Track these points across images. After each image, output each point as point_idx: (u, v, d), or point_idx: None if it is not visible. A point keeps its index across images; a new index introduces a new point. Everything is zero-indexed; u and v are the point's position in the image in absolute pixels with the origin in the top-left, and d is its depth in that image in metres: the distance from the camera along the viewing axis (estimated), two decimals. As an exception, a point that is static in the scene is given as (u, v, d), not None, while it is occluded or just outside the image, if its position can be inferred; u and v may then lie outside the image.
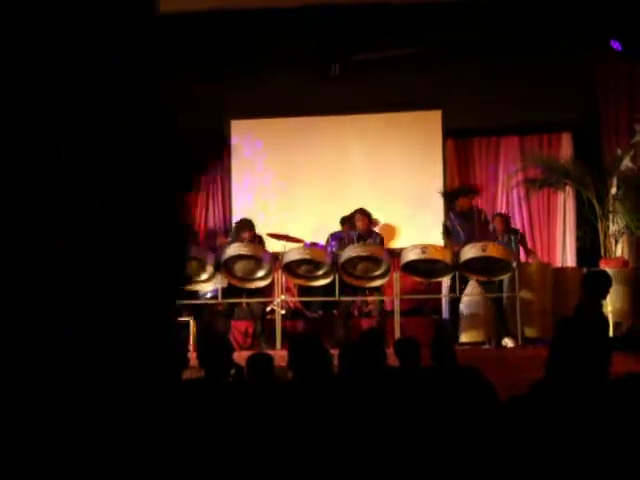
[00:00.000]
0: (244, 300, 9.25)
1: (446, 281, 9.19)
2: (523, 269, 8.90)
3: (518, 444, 2.84)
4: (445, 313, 9.75)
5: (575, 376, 3.05)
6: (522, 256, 9.62)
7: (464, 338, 8.87)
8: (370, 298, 9.04)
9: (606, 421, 2.85)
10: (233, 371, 4.31)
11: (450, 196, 10.33)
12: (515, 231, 9.59)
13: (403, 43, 10.48)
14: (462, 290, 8.76)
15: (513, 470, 2.77)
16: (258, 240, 9.40)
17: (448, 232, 9.20)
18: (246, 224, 9.33)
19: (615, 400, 2.94)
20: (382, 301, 8.97)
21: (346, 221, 9.97)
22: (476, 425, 2.86)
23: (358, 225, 9.26)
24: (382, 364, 4.57)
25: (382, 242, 9.40)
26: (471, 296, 8.88)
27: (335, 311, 9.53)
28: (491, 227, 9.25)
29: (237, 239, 9.25)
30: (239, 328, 9.47)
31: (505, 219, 9.53)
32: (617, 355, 7.33)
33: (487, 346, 8.73)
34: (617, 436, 2.81)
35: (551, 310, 8.83)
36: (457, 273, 8.61)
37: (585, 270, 9.42)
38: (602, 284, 6.37)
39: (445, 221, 9.41)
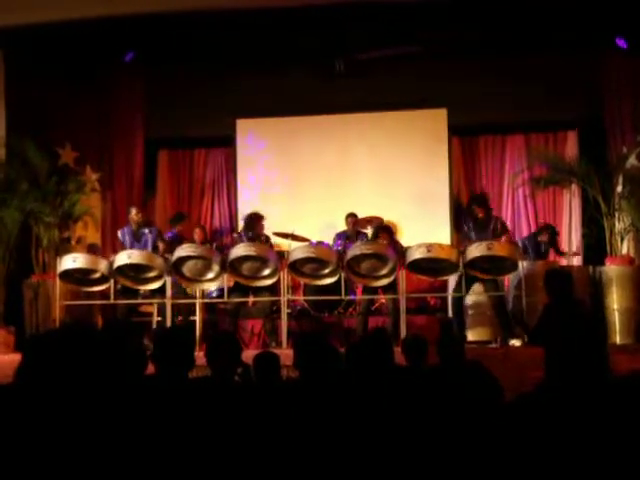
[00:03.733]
0: (251, 299, 9.27)
1: (452, 279, 9.21)
2: (528, 268, 8.89)
3: (525, 442, 2.84)
4: (451, 311, 9.75)
5: (570, 375, 3.05)
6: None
7: (471, 337, 8.89)
8: (383, 296, 9.05)
9: (612, 420, 2.86)
10: (240, 370, 4.32)
11: (468, 203, 10.44)
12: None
13: (408, 41, 10.48)
14: (468, 289, 8.77)
15: (520, 468, 2.77)
16: (265, 239, 9.41)
17: (465, 235, 9.20)
18: (255, 218, 9.41)
19: (621, 398, 2.94)
20: (396, 299, 8.85)
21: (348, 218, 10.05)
22: (482, 423, 2.86)
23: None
24: (389, 363, 4.57)
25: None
26: (477, 295, 8.88)
27: (341, 310, 9.55)
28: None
29: (245, 236, 9.30)
30: (245, 327, 9.48)
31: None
32: (623, 353, 7.40)
33: (494, 345, 8.73)
34: (623, 434, 2.81)
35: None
36: (463, 272, 8.60)
37: (590, 268, 9.46)
38: (564, 282, 6.26)
39: (464, 225, 9.41)
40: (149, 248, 9.15)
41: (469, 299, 8.94)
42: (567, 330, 5.62)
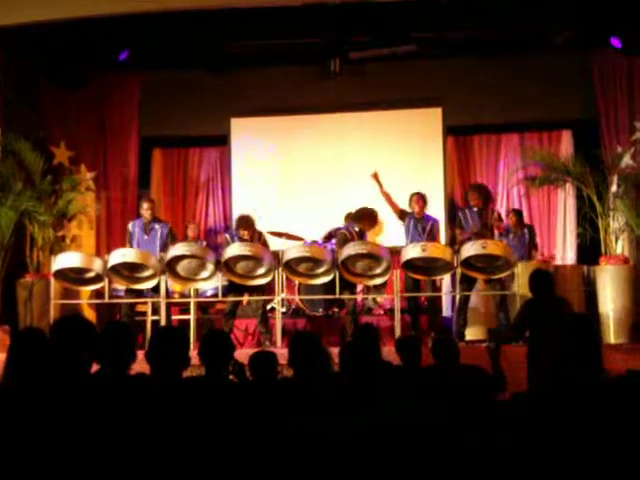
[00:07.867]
0: (245, 298, 9.26)
1: (448, 279, 9.25)
2: (523, 267, 8.89)
3: (521, 441, 2.84)
4: (446, 311, 9.74)
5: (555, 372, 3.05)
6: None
7: (466, 336, 8.90)
8: (366, 296, 9.07)
9: (607, 418, 2.86)
10: (231, 368, 4.29)
11: (466, 191, 10.57)
12: (530, 227, 10.06)
13: (403, 41, 10.49)
14: (471, 287, 8.82)
15: (516, 468, 2.77)
16: (258, 237, 9.32)
17: (460, 224, 9.33)
18: (244, 221, 9.21)
19: (615, 397, 2.94)
20: (355, 300, 9.00)
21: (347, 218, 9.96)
22: (479, 422, 2.86)
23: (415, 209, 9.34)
24: (378, 359, 4.59)
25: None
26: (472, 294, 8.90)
27: (336, 309, 9.54)
28: (496, 224, 9.33)
29: (237, 236, 9.20)
30: (239, 326, 9.47)
31: (519, 214, 9.99)
32: (617, 352, 7.41)
33: (489, 344, 8.71)
34: (618, 433, 2.81)
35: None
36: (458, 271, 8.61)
37: (585, 268, 9.48)
38: (545, 281, 6.40)
39: (459, 212, 9.61)
40: (157, 243, 9.11)
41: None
42: (550, 327, 5.73)
